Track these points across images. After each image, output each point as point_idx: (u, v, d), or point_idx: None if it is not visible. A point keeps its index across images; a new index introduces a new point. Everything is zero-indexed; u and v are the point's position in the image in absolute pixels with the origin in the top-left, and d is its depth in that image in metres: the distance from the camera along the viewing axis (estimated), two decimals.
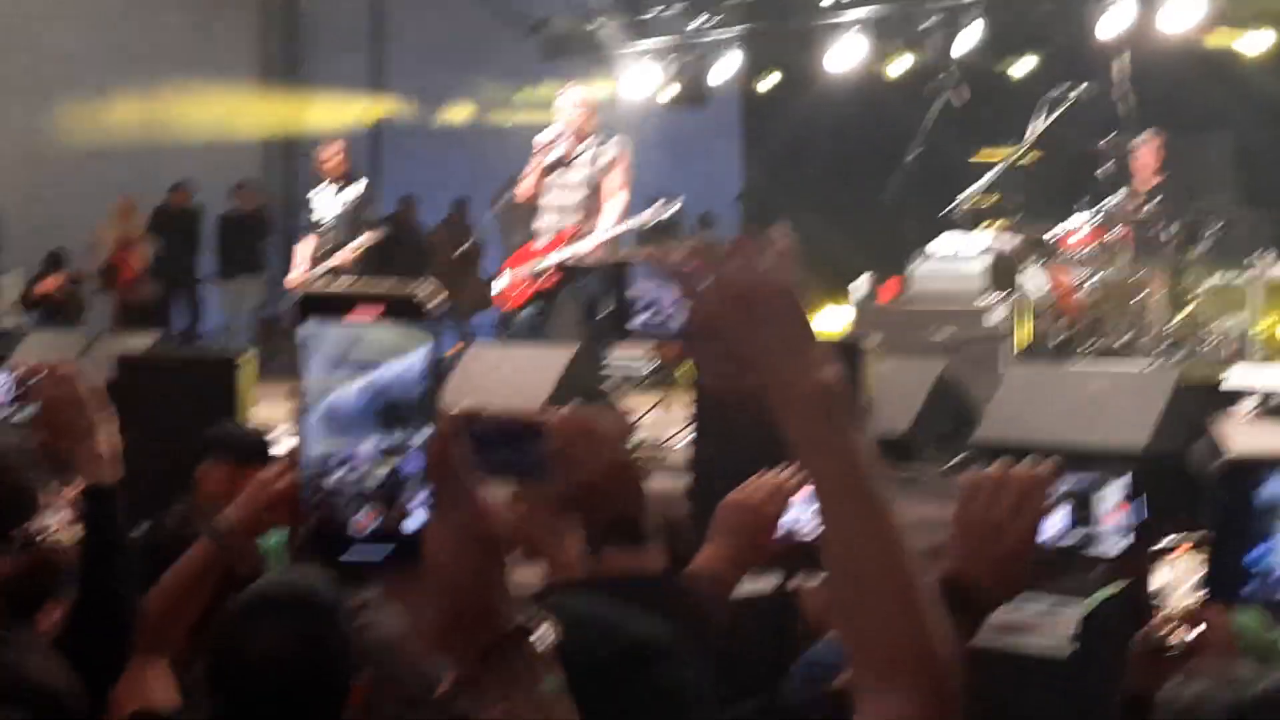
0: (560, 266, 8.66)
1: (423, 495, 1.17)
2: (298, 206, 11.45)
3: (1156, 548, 1.93)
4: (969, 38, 12.44)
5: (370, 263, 10.86)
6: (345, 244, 10.68)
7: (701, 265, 1.47)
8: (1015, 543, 1.71)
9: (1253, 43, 11.86)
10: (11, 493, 2.52)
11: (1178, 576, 1.90)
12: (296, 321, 1.16)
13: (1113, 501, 1.70)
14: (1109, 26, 11.48)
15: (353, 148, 11.67)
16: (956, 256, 10.21)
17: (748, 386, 1.45)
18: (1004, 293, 10.02)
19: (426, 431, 1.16)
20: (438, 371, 1.17)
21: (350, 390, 1.15)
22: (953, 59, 12.44)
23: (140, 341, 9.77)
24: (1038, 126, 8.58)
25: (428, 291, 1.17)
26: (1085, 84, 8.48)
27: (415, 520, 1.18)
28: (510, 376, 7.56)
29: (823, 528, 1.43)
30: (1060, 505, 1.72)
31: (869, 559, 1.40)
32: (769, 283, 1.46)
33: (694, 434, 6.01)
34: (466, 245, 13.96)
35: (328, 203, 10.84)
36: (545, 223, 8.92)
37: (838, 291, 11.05)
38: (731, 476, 2.69)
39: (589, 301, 8.47)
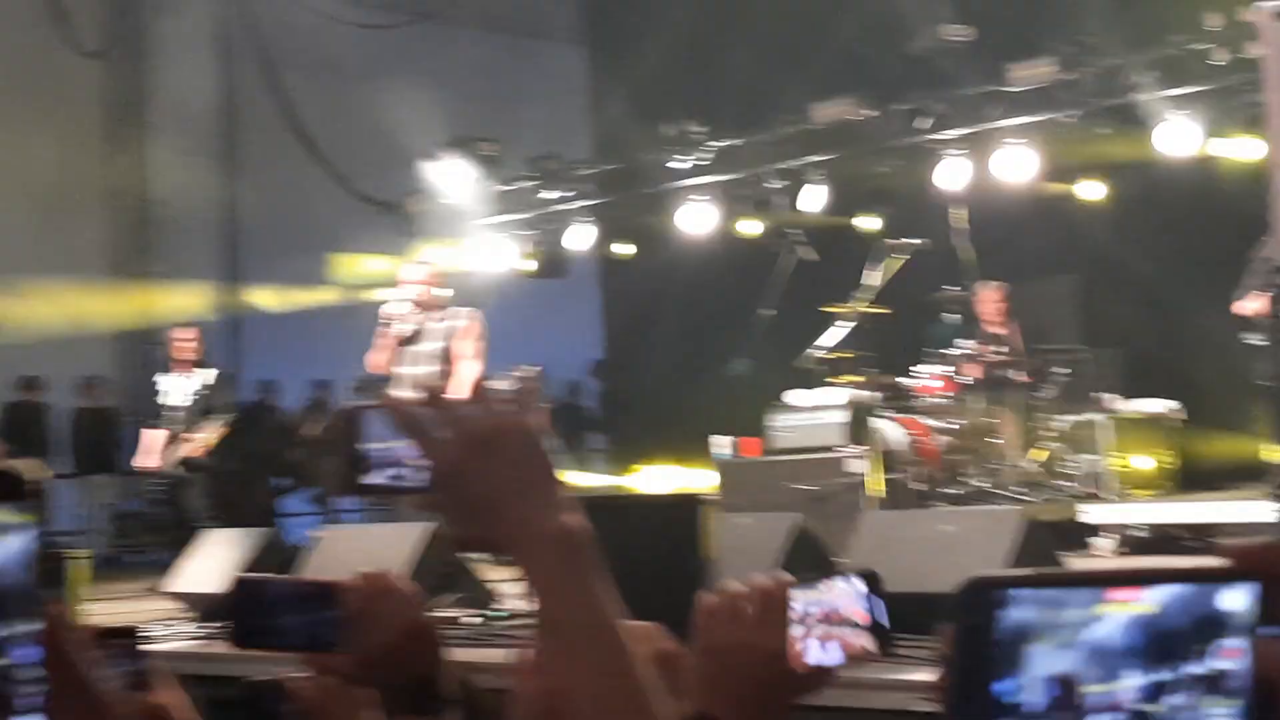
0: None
1: (35, 693, 1.01)
2: (148, 395, 11.26)
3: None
4: (814, 198, 12.71)
5: (224, 451, 10.68)
6: (195, 432, 10.50)
7: (437, 410, 1.43)
8: (764, 660, 1.59)
9: (1090, 189, 12.23)
10: None
11: None
12: None
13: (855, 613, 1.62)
14: (946, 179, 11.78)
15: (208, 336, 11.53)
16: (814, 409, 10.29)
17: (490, 533, 1.41)
18: (861, 443, 10.08)
19: (33, 622, 1.02)
20: (42, 557, 1.04)
21: None
22: (799, 217, 12.70)
23: None
24: (876, 278, 8.72)
25: (30, 468, 1.08)
26: (922, 239, 8.65)
27: None
28: (367, 555, 7.40)
29: (556, 674, 1.38)
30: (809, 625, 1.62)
31: (611, 711, 1.35)
32: (508, 425, 1.42)
33: None
34: (328, 424, 13.80)
35: (178, 390, 10.67)
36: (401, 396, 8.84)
37: (700, 452, 11.04)
38: None
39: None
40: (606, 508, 5.45)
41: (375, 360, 9.04)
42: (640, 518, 5.11)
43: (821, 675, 1.61)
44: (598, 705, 1.35)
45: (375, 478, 1.48)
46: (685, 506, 5.07)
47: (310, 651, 2.08)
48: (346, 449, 1.52)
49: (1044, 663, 1.06)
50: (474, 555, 1.51)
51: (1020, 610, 1.07)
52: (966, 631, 1.10)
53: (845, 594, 1.58)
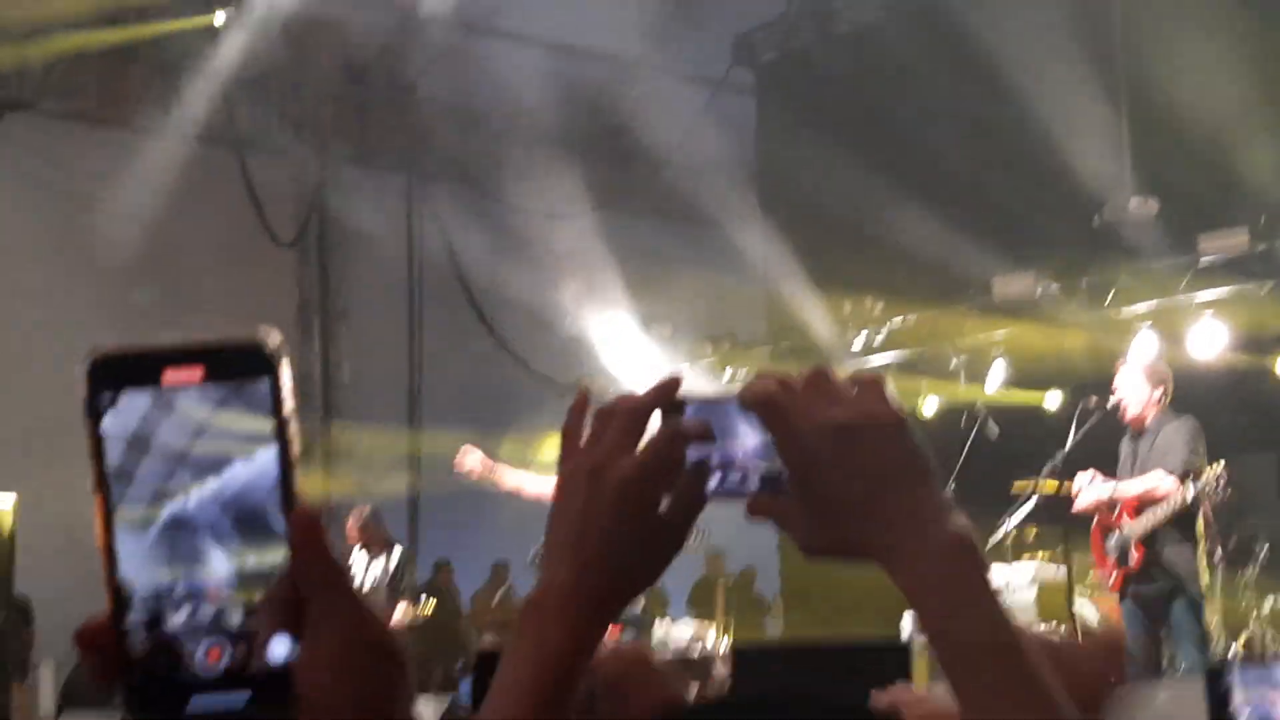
0: None
1: (284, 615, 0.88)
2: None
3: None
4: (998, 373, 12.57)
5: (415, 632, 10.71)
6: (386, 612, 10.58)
7: (784, 399, 1.23)
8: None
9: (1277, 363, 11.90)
10: None
11: None
12: (93, 393, 0.87)
13: None
14: (1136, 354, 11.55)
15: (389, 516, 11.66)
16: (1006, 588, 10.03)
17: (860, 538, 1.22)
18: (1055, 622, 9.77)
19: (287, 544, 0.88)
20: (291, 460, 0.89)
21: (191, 498, 0.87)
22: (983, 395, 12.54)
23: None
24: (1070, 446, 8.55)
25: (268, 335, 0.90)
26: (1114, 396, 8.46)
27: (279, 648, 0.88)
28: None
29: (959, 694, 1.17)
30: None
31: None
32: (879, 412, 1.22)
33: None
34: (503, 593, 13.83)
35: (364, 569, 10.75)
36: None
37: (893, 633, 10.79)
38: None
39: None
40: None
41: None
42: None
43: None
44: None
45: (709, 488, 1.28)
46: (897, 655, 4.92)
47: None
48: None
49: None
50: (834, 562, 1.32)
51: None
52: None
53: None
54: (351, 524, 10.94)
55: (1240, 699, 1.75)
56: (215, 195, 15.09)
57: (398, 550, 10.95)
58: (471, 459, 9.91)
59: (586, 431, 1.30)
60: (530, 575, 11.97)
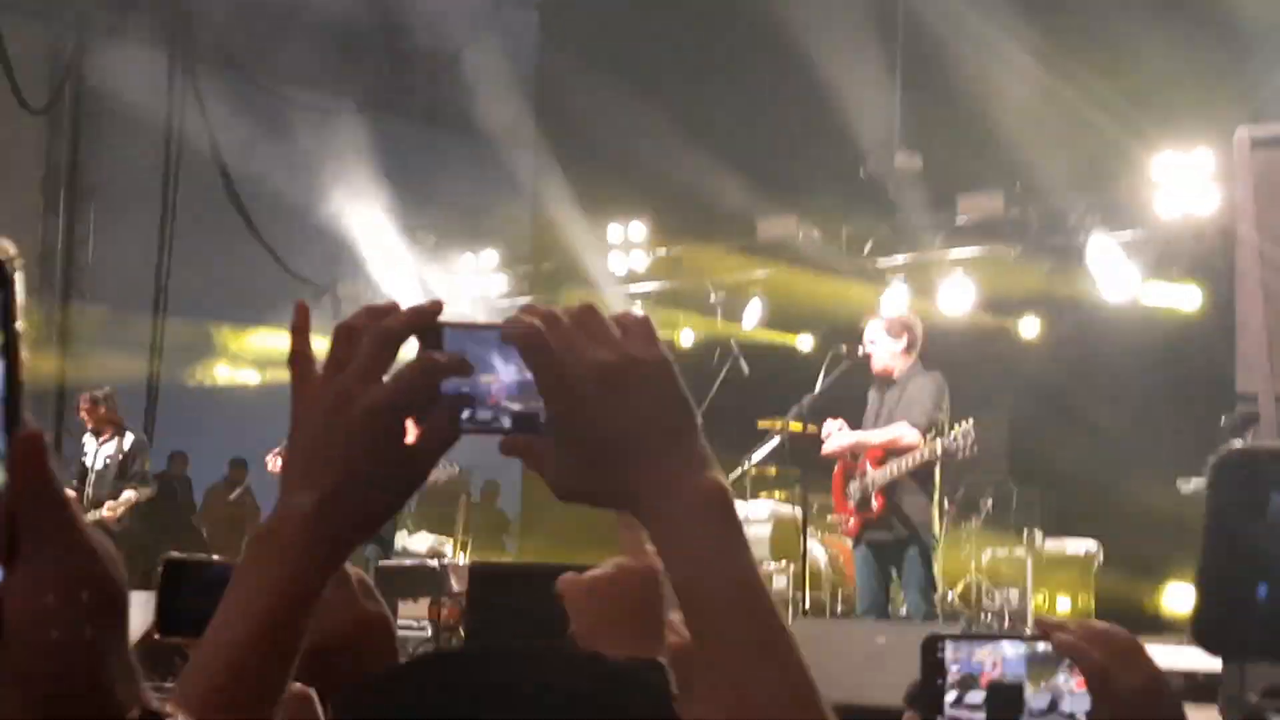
0: None
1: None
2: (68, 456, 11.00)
3: None
4: (754, 312, 12.77)
5: (139, 518, 10.45)
6: (110, 496, 10.26)
7: (550, 337, 1.17)
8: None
9: (1028, 325, 12.35)
10: None
11: None
12: None
13: None
14: (887, 305, 11.86)
15: (123, 402, 11.31)
16: (745, 521, 10.21)
17: (615, 484, 1.17)
18: (784, 561, 10.01)
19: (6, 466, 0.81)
20: (17, 379, 0.82)
21: None
22: (737, 329, 12.73)
23: None
24: (818, 390, 8.71)
25: (2, 247, 0.83)
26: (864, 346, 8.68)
27: None
28: None
29: (704, 649, 1.15)
30: None
31: (771, 683, 1.13)
32: (643, 358, 1.18)
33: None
34: (240, 492, 13.59)
35: (93, 453, 10.44)
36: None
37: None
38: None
39: None
40: None
41: None
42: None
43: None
44: (755, 676, 1.13)
45: (464, 418, 1.21)
46: None
47: None
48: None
49: None
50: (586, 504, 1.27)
51: None
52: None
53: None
54: (84, 404, 10.59)
55: (950, 657, 1.83)
56: None
57: (130, 436, 10.64)
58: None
59: (322, 347, 1.22)
60: (269, 478, 11.76)
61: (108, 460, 10.44)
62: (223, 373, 16.58)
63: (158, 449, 14.23)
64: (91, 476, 10.37)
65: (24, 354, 0.82)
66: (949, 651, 1.87)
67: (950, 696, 1.84)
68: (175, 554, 1.89)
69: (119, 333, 15.54)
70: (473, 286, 15.16)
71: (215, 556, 2.00)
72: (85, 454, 10.51)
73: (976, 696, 1.82)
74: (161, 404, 15.94)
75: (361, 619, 1.82)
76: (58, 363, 15.27)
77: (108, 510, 10.20)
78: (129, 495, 10.33)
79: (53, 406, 15.40)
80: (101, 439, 10.52)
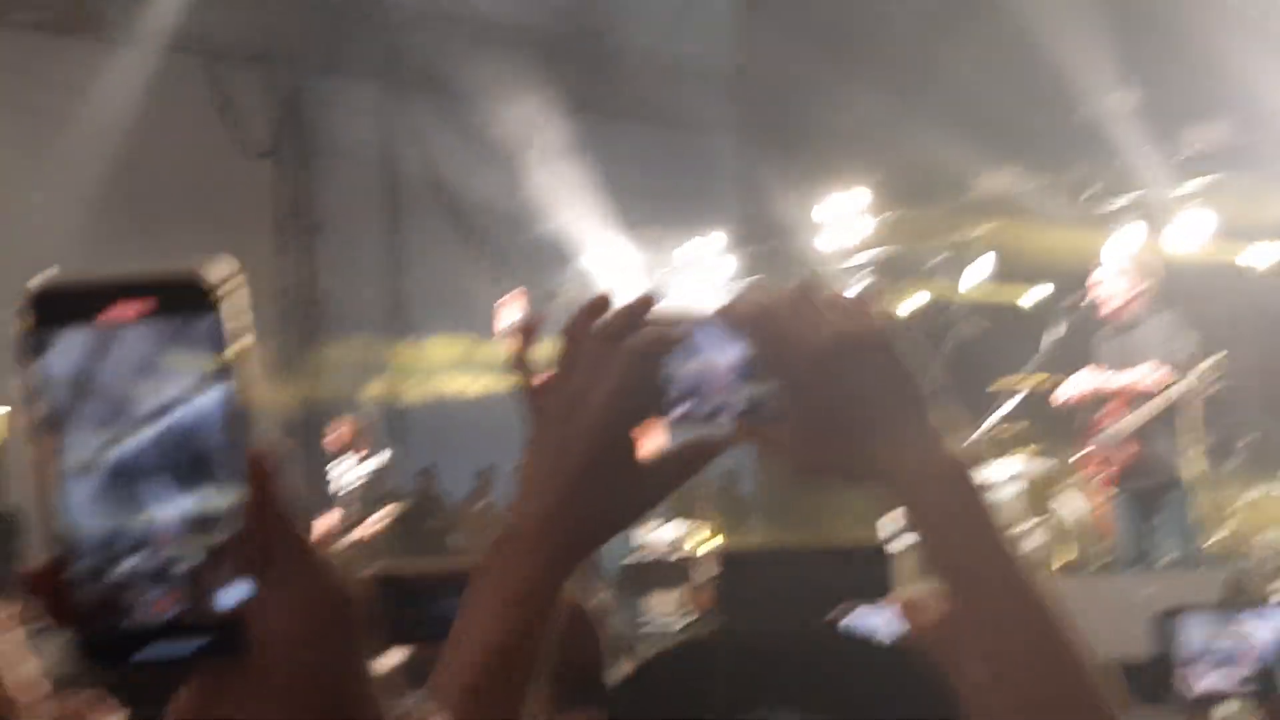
0: None
1: (235, 561, 0.83)
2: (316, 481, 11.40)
3: None
4: (979, 271, 12.53)
5: (393, 536, 10.75)
6: (366, 518, 10.59)
7: (775, 317, 1.17)
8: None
9: (1267, 255, 11.86)
10: None
11: None
12: (30, 329, 0.81)
13: None
14: (1116, 248, 11.53)
15: (371, 421, 11.66)
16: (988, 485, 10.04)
17: (854, 460, 1.17)
18: (1039, 517, 9.82)
19: (238, 486, 0.83)
20: (243, 398, 0.83)
21: (135, 441, 0.81)
22: (962, 293, 12.51)
23: None
24: (1051, 343, 8.51)
25: (216, 266, 0.83)
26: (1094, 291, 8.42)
27: (230, 595, 0.82)
28: None
29: (963, 621, 1.15)
30: None
31: (1039, 648, 1.12)
32: (869, 333, 1.17)
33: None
34: (485, 504, 13.90)
35: (344, 475, 10.79)
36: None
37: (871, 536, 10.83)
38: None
39: None
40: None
41: None
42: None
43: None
44: (1020, 668, 1.12)
45: (675, 415, 1.20)
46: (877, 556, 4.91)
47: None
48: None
49: None
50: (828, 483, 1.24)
51: None
52: None
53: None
54: (333, 429, 10.97)
55: (1197, 636, 1.77)
56: (185, 106, 14.89)
57: (379, 457, 10.98)
58: None
59: (550, 351, 1.25)
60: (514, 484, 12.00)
61: (359, 482, 10.76)
62: (463, 387, 16.95)
63: (407, 467, 14.66)
64: (345, 499, 10.71)
65: (251, 374, 0.82)
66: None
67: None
68: (381, 570, 1.96)
69: (361, 358, 16.05)
70: (702, 272, 15.19)
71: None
72: (337, 477, 10.86)
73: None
74: (408, 423, 16.40)
75: (573, 613, 1.87)
76: (306, 394, 15.83)
77: (363, 531, 10.53)
78: (381, 514, 10.64)
79: (302, 435, 15.99)
80: (352, 461, 10.85)
